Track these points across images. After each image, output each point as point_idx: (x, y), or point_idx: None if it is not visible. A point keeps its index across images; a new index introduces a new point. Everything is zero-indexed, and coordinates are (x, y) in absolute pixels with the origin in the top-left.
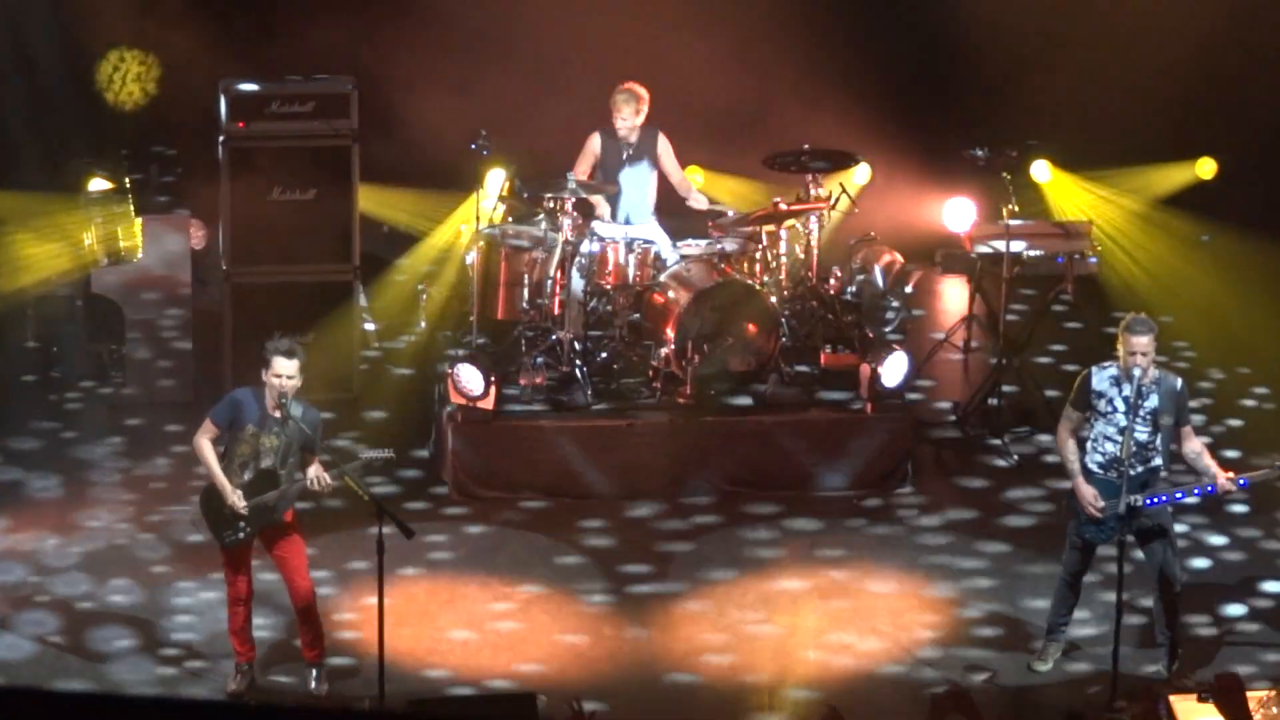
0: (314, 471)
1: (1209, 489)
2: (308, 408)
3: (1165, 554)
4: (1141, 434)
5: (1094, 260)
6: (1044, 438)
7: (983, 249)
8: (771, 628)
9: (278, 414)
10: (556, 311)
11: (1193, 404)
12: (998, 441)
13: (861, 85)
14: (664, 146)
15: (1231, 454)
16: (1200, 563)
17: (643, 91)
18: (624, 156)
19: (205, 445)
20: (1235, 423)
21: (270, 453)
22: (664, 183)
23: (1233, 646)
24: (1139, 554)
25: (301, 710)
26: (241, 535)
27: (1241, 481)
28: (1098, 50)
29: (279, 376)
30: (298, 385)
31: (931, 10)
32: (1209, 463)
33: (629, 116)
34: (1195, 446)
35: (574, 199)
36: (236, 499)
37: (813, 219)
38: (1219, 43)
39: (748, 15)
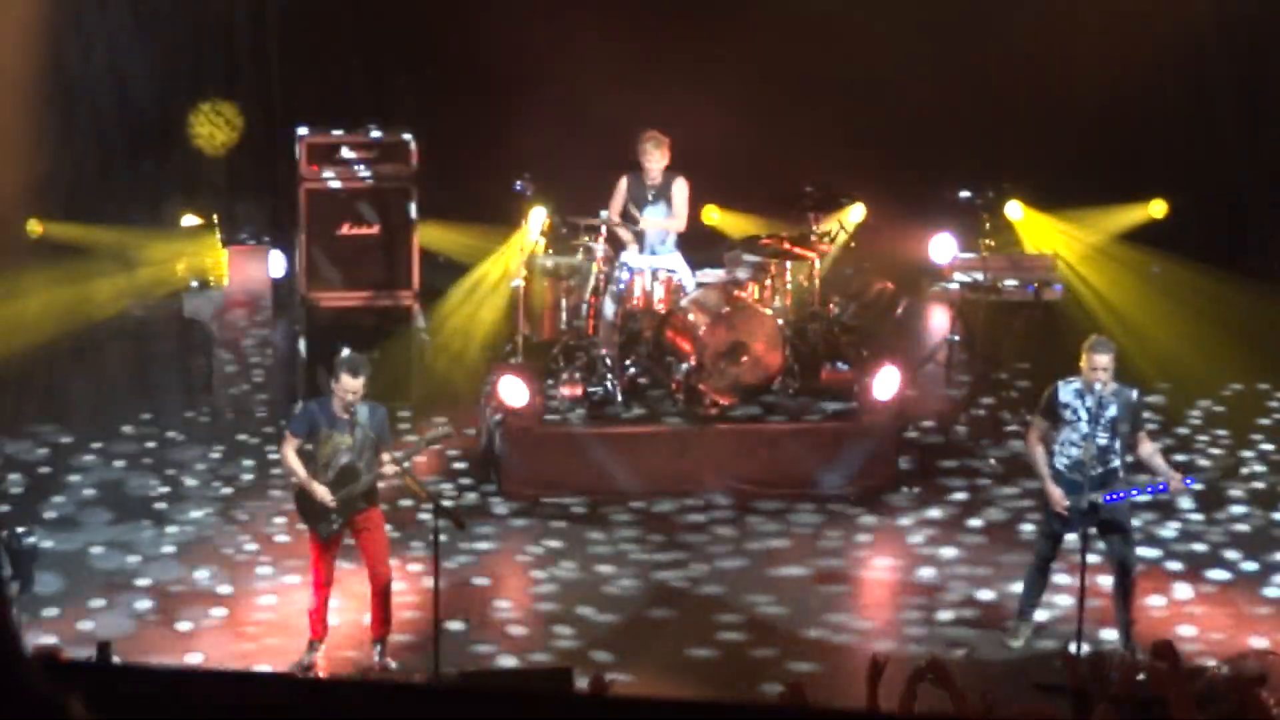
0: (387, 460)
1: (1161, 487)
2: (374, 407)
3: (1122, 545)
4: (1102, 439)
5: (1059, 289)
6: (1016, 444)
7: (963, 278)
8: (779, 609)
9: (346, 416)
10: (591, 332)
11: (1145, 414)
12: (976, 446)
13: (858, 133)
14: (678, 188)
15: (1180, 457)
16: (1151, 552)
17: (664, 138)
18: (649, 196)
19: (290, 454)
20: (1181, 431)
21: (347, 450)
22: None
23: (1181, 623)
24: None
25: (367, 683)
26: (335, 526)
27: (1189, 480)
28: (1066, 103)
29: (346, 390)
30: (361, 395)
31: (919, 66)
32: (1160, 463)
33: (656, 160)
34: (1149, 449)
35: (606, 233)
36: (324, 493)
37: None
38: (1174, 97)
39: (756, 69)
